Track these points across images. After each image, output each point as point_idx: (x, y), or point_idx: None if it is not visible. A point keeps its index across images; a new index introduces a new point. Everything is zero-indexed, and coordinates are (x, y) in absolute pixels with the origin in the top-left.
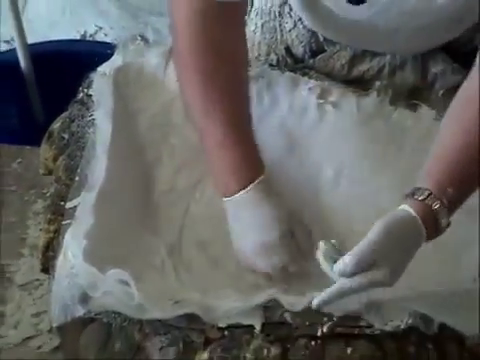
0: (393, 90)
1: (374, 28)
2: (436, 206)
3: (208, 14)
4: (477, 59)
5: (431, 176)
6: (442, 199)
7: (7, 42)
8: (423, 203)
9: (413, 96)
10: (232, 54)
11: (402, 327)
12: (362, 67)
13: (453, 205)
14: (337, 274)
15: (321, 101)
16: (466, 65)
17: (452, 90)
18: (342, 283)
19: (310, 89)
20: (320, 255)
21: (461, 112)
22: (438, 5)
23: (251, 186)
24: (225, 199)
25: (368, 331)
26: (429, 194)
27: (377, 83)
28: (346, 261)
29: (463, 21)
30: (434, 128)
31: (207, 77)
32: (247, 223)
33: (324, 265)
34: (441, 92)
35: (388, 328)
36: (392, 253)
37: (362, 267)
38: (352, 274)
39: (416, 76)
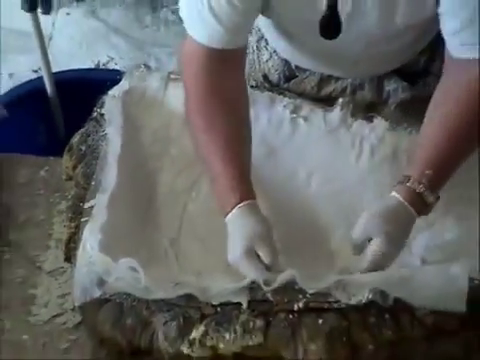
0: (353, 105)
1: (340, 58)
2: (419, 187)
3: (214, 68)
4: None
5: (413, 164)
6: (422, 181)
7: (35, 71)
8: (407, 187)
9: (370, 110)
10: (235, 100)
11: (364, 301)
12: (328, 88)
13: (435, 184)
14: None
15: (294, 115)
16: (413, 83)
17: (402, 104)
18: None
19: (285, 106)
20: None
21: (436, 111)
22: (396, 34)
23: (236, 207)
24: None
25: (336, 305)
26: (410, 179)
27: (340, 100)
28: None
29: (414, 48)
30: (387, 135)
31: (210, 123)
32: (232, 237)
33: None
34: (393, 106)
35: (352, 302)
36: (385, 229)
37: (360, 243)
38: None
39: (373, 94)
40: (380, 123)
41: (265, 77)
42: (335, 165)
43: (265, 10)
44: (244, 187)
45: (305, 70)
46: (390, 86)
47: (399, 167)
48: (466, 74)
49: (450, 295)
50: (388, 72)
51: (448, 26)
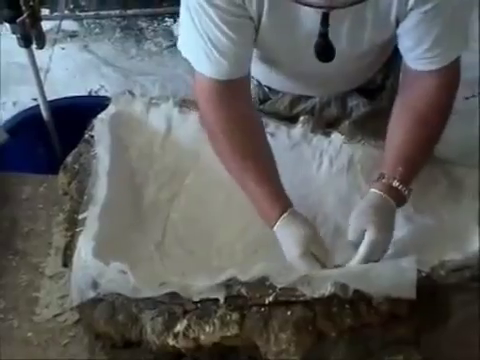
0: (313, 122)
1: (314, 79)
2: (394, 182)
3: (225, 97)
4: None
5: (385, 164)
6: (395, 176)
7: (35, 99)
8: (383, 183)
9: (332, 125)
10: (252, 123)
11: (326, 294)
12: (299, 107)
13: (406, 178)
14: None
15: None
16: (371, 99)
17: (356, 119)
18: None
19: None
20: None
21: (399, 119)
22: (363, 55)
23: (281, 218)
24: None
25: (302, 298)
26: (385, 176)
27: (301, 118)
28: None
29: (374, 67)
30: (343, 148)
31: (238, 151)
32: (285, 242)
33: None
34: (347, 122)
35: (316, 295)
36: (373, 219)
37: (357, 240)
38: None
39: (338, 110)
40: (337, 137)
41: None
42: (299, 174)
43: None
44: (282, 199)
45: (278, 92)
46: (352, 102)
47: (354, 175)
48: (422, 84)
49: (402, 285)
50: (350, 90)
51: (407, 44)
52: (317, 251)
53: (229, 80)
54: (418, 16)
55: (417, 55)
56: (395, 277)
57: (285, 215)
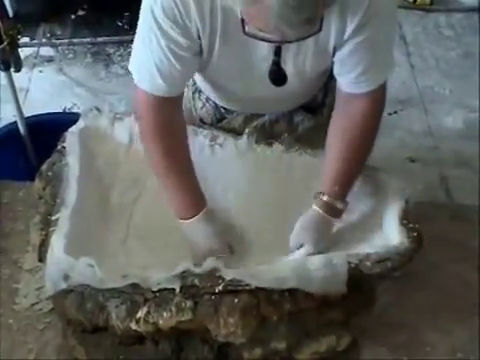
0: (257, 134)
1: (263, 101)
2: (330, 199)
3: (158, 108)
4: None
5: (323, 182)
6: (332, 194)
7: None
8: (322, 201)
9: (271, 137)
10: (179, 130)
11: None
12: (252, 124)
13: (343, 193)
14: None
15: (212, 143)
16: (314, 114)
17: (303, 133)
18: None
19: (204, 135)
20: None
21: (334, 139)
22: (307, 80)
23: (199, 215)
24: (181, 220)
25: (247, 288)
26: (323, 194)
27: (247, 130)
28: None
29: (317, 87)
30: (283, 156)
31: (162, 152)
32: (196, 237)
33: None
34: (286, 135)
35: (259, 285)
36: (311, 236)
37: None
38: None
39: (286, 126)
40: (277, 147)
41: (201, 120)
42: (245, 182)
43: (203, 70)
44: (197, 199)
45: (233, 112)
46: (298, 118)
47: (293, 181)
48: (353, 105)
49: (333, 280)
50: (297, 107)
51: (341, 70)
52: (220, 250)
53: (163, 97)
54: (353, 46)
55: (350, 79)
56: (327, 274)
57: (199, 215)
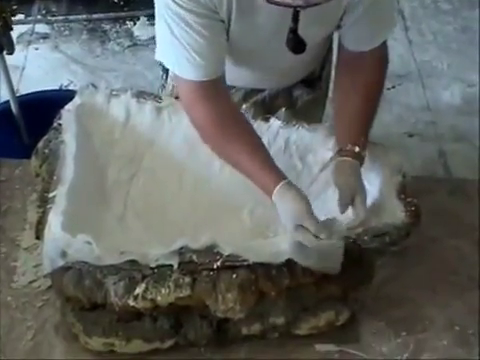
0: (255, 110)
1: (263, 76)
2: (356, 149)
3: (208, 96)
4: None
5: (348, 136)
6: (360, 145)
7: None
8: (348, 151)
9: (270, 112)
10: (236, 114)
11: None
12: (252, 99)
13: (364, 143)
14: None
15: None
16: (312, 88)
17: (302, 107)
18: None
19: None
20: None
21: (347, 97)
22: (314, 47)
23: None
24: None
25: (246, 263)
26: (348, 145)
27: (244, 106)
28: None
29: (317, 59)
30: (280, 131)
31: (228, 139)
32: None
33: None
34: (283, 109)
35: (257, 260)
36: (360, 185)
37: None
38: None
39: (285, 100)
40: (274, 122)
41: None
42: None
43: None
44: (275, 173)
45: (232, 87)
46: (297, 92)
47: (290, 155)
48: (359, 63)
49: (329, 258)
50: (296, 82)
51: (349, 30)
52: (309, 225)
53: (209, 80)
54: (362, 7)
55: (358, 37)
56: (324, 251)
57: (279, 187)
